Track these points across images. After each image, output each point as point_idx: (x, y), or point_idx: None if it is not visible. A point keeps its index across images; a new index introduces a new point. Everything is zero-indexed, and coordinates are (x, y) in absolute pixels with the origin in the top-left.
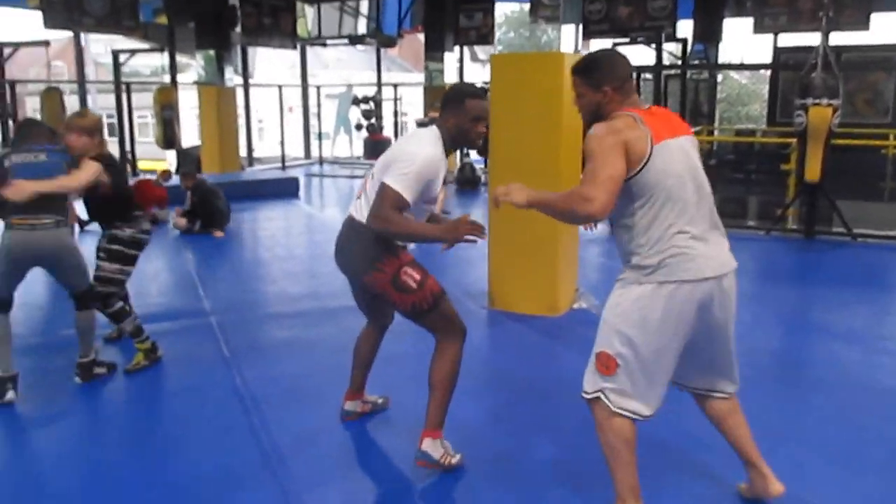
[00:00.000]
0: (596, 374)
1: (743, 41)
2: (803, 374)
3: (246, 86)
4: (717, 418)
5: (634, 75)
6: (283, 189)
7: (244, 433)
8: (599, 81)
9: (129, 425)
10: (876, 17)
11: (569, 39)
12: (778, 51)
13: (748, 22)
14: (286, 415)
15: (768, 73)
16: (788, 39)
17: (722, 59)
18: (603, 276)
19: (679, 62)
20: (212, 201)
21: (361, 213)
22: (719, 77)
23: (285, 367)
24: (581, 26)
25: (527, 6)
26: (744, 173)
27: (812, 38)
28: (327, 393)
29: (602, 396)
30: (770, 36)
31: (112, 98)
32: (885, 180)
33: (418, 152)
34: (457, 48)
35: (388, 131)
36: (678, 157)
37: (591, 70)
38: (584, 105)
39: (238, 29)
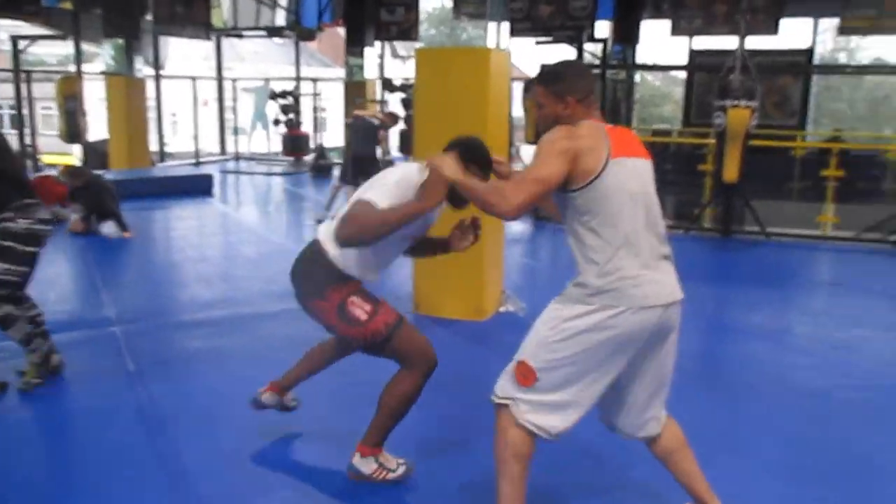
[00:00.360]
0: (513, 381)
1: (657, 44)
2: (728, 377)
3: (157, 77)
4: (662, 455)
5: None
6: (197, 186)
7: (150, 458)
8: (563, 92)
9: (19, 452)
10: (784, 23)
11: (493, 37)
12: (693, 53)
13: (665, 24)
14: (197, 436)
15: (680, 75)
16: (702, 43)
17: (639, 61)
18: (528, 277)
19: (599, 62)
20: (103, 196)
21: (326, 235)
22: (636, 78)
23: (196, 381)
24: (507, 24)
25: (449, 3)
26: (661, 173)
27: (724, 42)
28: (243, 410)
29: (512, 405)
30: (685, 39)
31: (12, 87)
32: (794, 180)
33: (395, 170)
34: (378, 43)
35: (306, 127)
36: (633, 176)
37: (555, 79)
38: (544, 116)
39: (149, 17)
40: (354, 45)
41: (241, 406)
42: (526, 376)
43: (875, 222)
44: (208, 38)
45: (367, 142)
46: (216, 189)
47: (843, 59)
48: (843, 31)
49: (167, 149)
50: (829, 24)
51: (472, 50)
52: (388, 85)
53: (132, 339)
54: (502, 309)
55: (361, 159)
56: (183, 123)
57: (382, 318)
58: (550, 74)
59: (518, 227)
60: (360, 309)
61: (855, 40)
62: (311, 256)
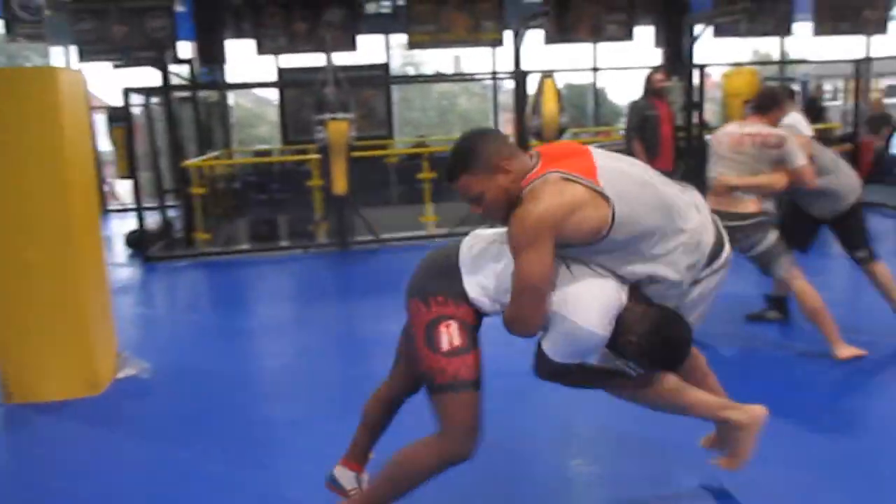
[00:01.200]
0: None
1: (246, 64)
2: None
3: None
4: None
5: (141, 99)
6: None
7: None
8: (489, 161)
9: None
10: (361, 39)
11: (59, 62)
12: (281, 71)
13: (250, 44)
14: None
15: (272, 97)
16: (289, 61)
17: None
18: (146, 330)
19: (188, 84)
20: None
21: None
22: (230, 101)
23: None
24: (75, 47)
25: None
26: (268, 193)
27: (310, 60)
28: None
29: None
30: (272, 58)
31: None
32: (390, 186)
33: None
34: None
35: None
36: (619, 166)
37: (472, 158)
38: (492, 199)
39: None
40: None
41: None
42: None
43: (464, 216)
44: None
45: None
46: None
47: (411, 71)
48: (412, 45)
49: None
50: (399, 39)
51: (36, 70)
52: None
53: None
54: (121, 375)
55: None
56: None
57: (460, 364)
58: (462, 158)
59: (125, 273)
60: (447, 336)
61: (419, 54)
62: (450, 259)
